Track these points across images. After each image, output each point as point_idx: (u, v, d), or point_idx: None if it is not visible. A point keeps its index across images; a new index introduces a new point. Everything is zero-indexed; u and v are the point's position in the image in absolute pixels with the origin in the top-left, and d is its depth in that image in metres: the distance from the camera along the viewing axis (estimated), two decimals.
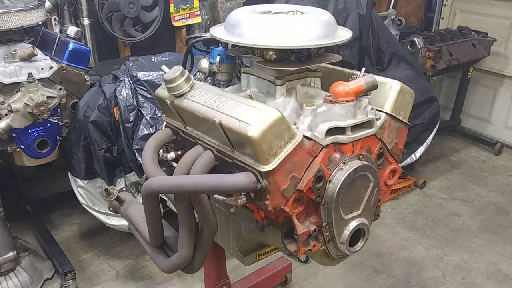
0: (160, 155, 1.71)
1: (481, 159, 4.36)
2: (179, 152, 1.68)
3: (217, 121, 1.33)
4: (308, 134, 1.33)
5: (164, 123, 1.76)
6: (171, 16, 3.57)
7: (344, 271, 2.89)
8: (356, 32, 3.15)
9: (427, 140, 3.65)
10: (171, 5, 3.54)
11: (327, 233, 1.44)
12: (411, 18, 4.87)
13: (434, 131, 3.67)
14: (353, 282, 2.82)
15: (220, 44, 1.71)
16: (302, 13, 1.56)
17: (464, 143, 4.64)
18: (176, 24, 3.63)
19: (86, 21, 3.26)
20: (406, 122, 1.58)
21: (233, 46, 1.67)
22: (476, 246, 3.16)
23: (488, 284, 2.83)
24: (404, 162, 3.58)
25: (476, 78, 4.56)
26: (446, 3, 4.77)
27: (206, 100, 1.46)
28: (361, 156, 1.44)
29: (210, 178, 1.38)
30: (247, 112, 1.31)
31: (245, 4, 3.74)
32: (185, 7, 3.63)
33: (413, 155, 3.62)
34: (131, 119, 2.52)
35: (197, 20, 3.72)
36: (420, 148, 3.64)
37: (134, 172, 2.57)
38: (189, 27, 3.76)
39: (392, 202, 3.64)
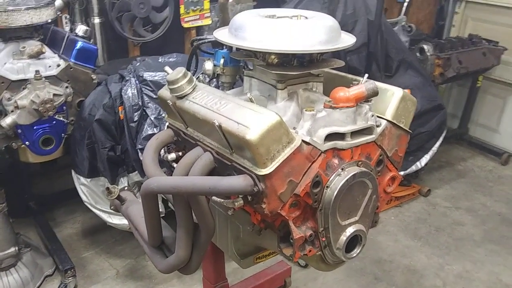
0: (161, 156, 1.72)
1: (487, 169, 4.33)
2: (180, 153, 1.69)
3: (217, 124, 1.34)
4: (307, 139, 1.33)
5: (167, 123, 1.77)
6: (181, 17, 3.60)
7: (344, 277, 2.88)
8: (365, 37, 3.15)
9: (433, 148, 3.63)
10: (181, 6, 3.56)
11: (324, 239, 1.43)
12: (422, 25, 4.85)
13: (441, 139, 3.65)
14: None
15: (224, 47, 1.72)
16: (306, 18, 1.56)
17: (471, 152, 4.61)
18: (185, 25, 3.65)
19: (96, 20, 3.29)
20: (407, 129, 1.56)
21: (237, 49, 1.67)
22: (478, 256, 3.14)
23: None
24: (409, 170, 3.56)
25: (486, 87, 4.53)
26: (458, 10, 4.75)
27: (207, 102, 1.47)
28: (360, 163, 1.43)
29: (207, 180, 1.39)
30: (247, 115, 1.31)
31: (255, 7, 3.76)
32: (195, 8, 3.65)
33: (418, 163, 3.61)
34: (135, 118, 2.54)
35: (207, 22, 3.74)
36: (426, 156, 3.62)
37: (137, 172, 2.59)
38: (199, 29, 3.78)
39: (396, 209, 3.62)
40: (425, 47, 3.79)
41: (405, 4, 4.55)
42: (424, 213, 3.61)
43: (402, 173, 3.49)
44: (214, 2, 3.74)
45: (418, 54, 3.83)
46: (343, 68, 1.65)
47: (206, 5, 3.68)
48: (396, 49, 3.45)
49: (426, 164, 3.65)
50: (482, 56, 4.01)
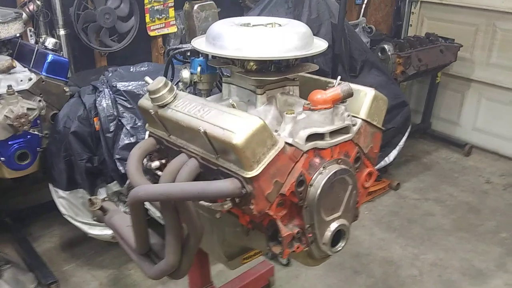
0: (144, 164, 1.75)
1: (451, 161, 4.51)
2: (163, 161, 1.72)
3: (202, 130, 1.39)
4: (289, 141, 1.40)
5: (147, 132, 1.80)
6: (147, 26, 3.62)
7: (324, 273, 2.96)
8: (329, 40, 3.24)
9: (399, 143, 3.76)
10: (147, 15, 3.58)
11: (310, 235, 1.50)
12: (381, 25, 5.02)
13: (406, 134, 3.79)
14: (334, 283, 2.90)
15: (200, 55, 1.77)
16: (280, 25, 1.63)
17: (435, 146, 4.79)
18: (152, 33, 3.67)
19: (62, 32, 3.26)
20: (380, 127, 1.66)
21: (213, 57, 1.73)
22: (450, 244, 3.28)
23: (463, 280, 2.94)
24: (378, 165, 3.67)
25: (445, 83, 4.72)
26: (414, 11, 4.94)
27: (190, 109, 1.51)
28: (339, 160, 1.51)
29: (196, 185, 1.43)
30: (231, 120, 1.37)
31: (220, 14, 3.81)
32: (160, 17, 3.67)
33: (386, 158, 3.73)
34: (111, 129, 2.55)
35: (173, 29, 3.77)
36: (393, 151, 3.75)
37: (115, 182, 2.60)
38: (165, 37, 3.80)
39: (369, 204, 3.74)
40: (386, 47, 3.93)
41: (363, 6, 4.72)
42: (396, 206, 3.74)
43: None
44: (179, 9, 3.78)
45: (379, 54, 3.96)
46: (313, 71, 1.73)
47: (171, 13, 3.71)
48: (359, 50, 3.57)
49: (394, 159, 3.78)
50: (440, 53, 4.18)
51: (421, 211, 3.67)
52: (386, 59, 3.96)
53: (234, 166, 1.38)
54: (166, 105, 1.59)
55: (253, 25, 1.65)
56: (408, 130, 3.81)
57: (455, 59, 4.34)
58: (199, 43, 1.67)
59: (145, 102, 1.69)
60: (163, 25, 3.73)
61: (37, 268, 2.81)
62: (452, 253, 3.18)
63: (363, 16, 4.66)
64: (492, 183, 4.10)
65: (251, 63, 1.54)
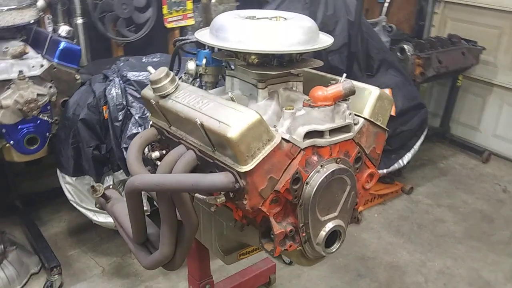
0: (145, 154, 1.75)
1: (468, 167, 4.41)
2: (164, 151, 1.72)
3: (199, 122, 1.37)
4: (287, 137, 1.37)
5: (150, 122, 1.79)
6: (164, 17, 3.61)
7: (328, 274, 2.93)
8: (345, 38, 3.21)
9: (414, 146, 3.69)
10: (164, 7, 3.57)
11: (304, 234, 1.47)
12: (403, 25, 4.92)
13: (422, 137, 3.72)
14: (337, 285, 2.86)
15: (206, 47, 1.75)
16: (285, 19, 1.60)
17: (452, 150, 4.69)
18: (169, 25, 3.66)
19: (79, 21, 3.28)
20: (385, 127, 1.61)
21: (219, 49, 1.71)
22: (459, 252, 3.21)
23: None
24: (391, 168, 3.62)
25: (466, 86, 4.62)
26: (438, 11, 4.83)
27: (190, 101, 1.50)
28: (338, 160, 1.47)
29: (190, 177, 1.42)
30: (228, 113, 1.35)
31: (238, 8, 3.79)
32: (178, 9, 3.66)
33: (400, 161, 3.66)
34: (120, 118, 2.55)
35: (190, 22, 3.75)
36: (408, 154, 3.68)
37: (122, 171, 2.60)
38: (182, 29, 3.80)
39: (379, 207, 3.68)
40: (406, 47, 3.85)
41: (386, 4, 4.63)
42: (407, 210, 3.68)
43: (385, 170, 3.56)
44: (197, 2, 3.77)
45: (398, 54, 3.89)
46: (324, 68, 1.69)
47: (189, 5, 3.70)
48: (377, 49, 3.51)
49: (408, 162, 3.71)
50: (462, 56, 4.09)
51: (433, 217, 3.60)
52: (405, 60, 3.89)
53: (229, 160, 1.37)
54: (167, 95, 1.58)
55: (258, 18, 1.62)
56: (424, 133, 3.74)
57: (477, 62, 4.24)
58: (203, 34, 1.65)
59: (147, 92, 1.68)
60: (181, 18, 3.72)
61: (42, 251, 2.84)
62: (460, 262, 3.11)
63: (385, 15, 4.57)
64: (509, 192, 3.99)
65: (253, 56, 1.51)
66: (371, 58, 3.50)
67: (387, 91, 3.41)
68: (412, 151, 3.69)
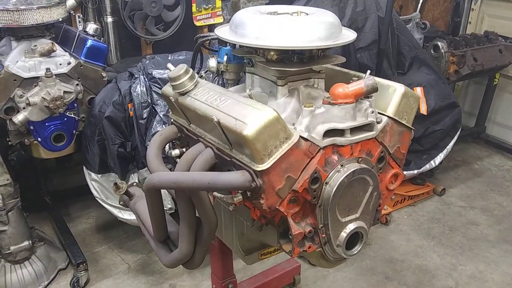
0: (166, 152, 1.74)
1: (504, 168, 4.25)
2: (184, 149, 1.70)
3: (216, 119, 1.35)
4: (305, 135, 1.33)
5: (171, 120, 1.78)
6: (193, 15, 3.61)
7: (354, 276, 2.86)
8: (375, 35, 3.12)
9: (447, 147, 3.57)
10: (193, 5, 3.58)
11: (323, 235, 1.43)
12: (438, 22, 4.78)
13: (455, 137, 3.59)
14: None
15: (228, 44, 1.72)
16: (307, 14, 1.56)
17: (488, 151, 4.53)
18: (198, 23, 3.66)
19: (109, 19, 3.32)
20: (410, 126, 1.55)
21: (240, 45, 1.68)
22: (492, 256, 3.08)
23: None
24: (423, 168, 3.52)
25: (503, 85, 4.45)
26: (474, 7, 4.67)
27: (208, 98, 1.48)
28: (360, 159, 1.42)
29: (206, 175, 1.40)
30: (244, 111, 1.32)
31: (268, 5, 3.75)
32: (207, 7, 3.66)
33: (432, 162, 3.55)
34: (144, 115, 2.56)
35: (219, 20, 3.74)
36: (440, 154, 3.57)
37: (146, 168, 2.61)
38: (211, 27, 3.79)
39: (409, 208, 3.59)
40: (440, 44, 3.73)
41: (421, 1, 4.50)
42: (438, 212, 3.57)
43: (416, 171, 3.46)
44: (226, 0, 3.75)
45: (432, 51, 3.77)
46: (353, 65, 1.64)
47: (218, 3, 3.69)
48: (408, 46, 3.41)
49: (440, 163, 3.60)
50: (498, 53, 3.94)
51: (465, 220, 3.47)
52: (439, 57, 3.77)
53: (246, 158, 1.34)
54: (186, 92, 1.56)
55: (278, 14, 1.58)
56: (458, 133, 3.61)
57: None
58: (223, 31, 1.62)
59: (167, 89, 1.67)
60: (209, 16, 3.72)
61: (69, 247, 2.88)
62: (494, 266, 2.99)
63: (419, 12, 4.45)
64: None
65: (272, 53, 1.47)
66: (402, 55, 3.40)
67: (419, 89, 3.32)
68: (445, 152, 3.57)
